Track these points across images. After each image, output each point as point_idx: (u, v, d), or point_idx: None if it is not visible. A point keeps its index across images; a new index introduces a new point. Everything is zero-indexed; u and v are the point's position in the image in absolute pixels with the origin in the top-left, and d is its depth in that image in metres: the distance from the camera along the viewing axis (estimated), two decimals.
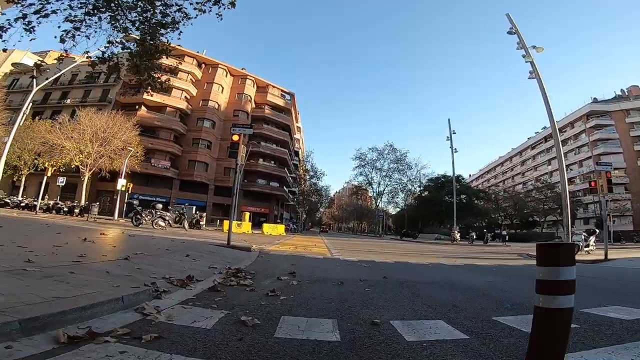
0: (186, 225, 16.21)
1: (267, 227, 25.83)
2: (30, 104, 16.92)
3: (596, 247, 14.94)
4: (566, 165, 54.60)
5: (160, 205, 15.36)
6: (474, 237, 26.33)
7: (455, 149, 34.35)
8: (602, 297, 4.62)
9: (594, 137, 56.24)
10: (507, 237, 29.94)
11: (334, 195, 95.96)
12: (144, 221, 15.18)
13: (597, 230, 17.41)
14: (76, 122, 29.08)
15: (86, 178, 28.88)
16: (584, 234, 14.65)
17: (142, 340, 2.08)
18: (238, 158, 9.55)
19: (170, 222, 15.46)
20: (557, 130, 15.43)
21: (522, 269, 9.03)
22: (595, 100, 58.14)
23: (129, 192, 26.92)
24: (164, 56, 7.21)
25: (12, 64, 45.34)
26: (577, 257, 8.19)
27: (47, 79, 17.80)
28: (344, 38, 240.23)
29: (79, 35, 5.72)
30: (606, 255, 11.91)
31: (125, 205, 25.45)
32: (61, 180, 26.14)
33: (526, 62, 15.04)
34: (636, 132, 53.32)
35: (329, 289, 4.49)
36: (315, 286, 4.61)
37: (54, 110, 41.05)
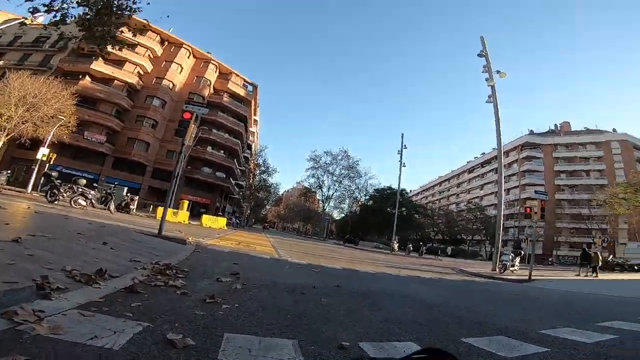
0: (112, 208, 14.24)
1: (207, 219, 24.18)
2: None
3: (519, 267, 16.11)
4: (494, 192, 60.05)
5: (83, 181, 13.30)
6: (411, 248, 27.34)
7: (404, 163, 35.61)
8: (550, 318, 4.70)
9: (524, 167, 62.35)
10: (439, 251, 31.61)
11: (282, 194, 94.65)
12: (62, 197, 13.05)
13: (522, 252, 18.96)
14: (3, 84, 25.03)
15: (1, 142, 24.85)
16: (511, 254, 15.61)
17: None
18: (186, 138, 8.43)
19: (93, 201, 13.50)
20: (502, 155, 16.35)
21: (462, 284, 9.21)
22: (531, 132, 64.37)
23: (51, 162, 23.61)
24: (124, 18, 6.23)
25: None
26: (505, 276, 8.66)
27: None
28: (317, 41, 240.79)
29: None
30: (530, 275, 12.78)
31: (42, 177, 22.15)
32: None
33: (488, 85, 15.76)
34: (559, 167, 60.08)
35: (280, 296, 3.81)
36: (264, 292, 3.90)
37: None
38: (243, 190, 56.99)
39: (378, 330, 2.96)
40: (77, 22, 5.98)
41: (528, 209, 14.92)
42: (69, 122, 26.45)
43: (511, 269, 14.77)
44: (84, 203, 12.82)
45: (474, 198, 72.24)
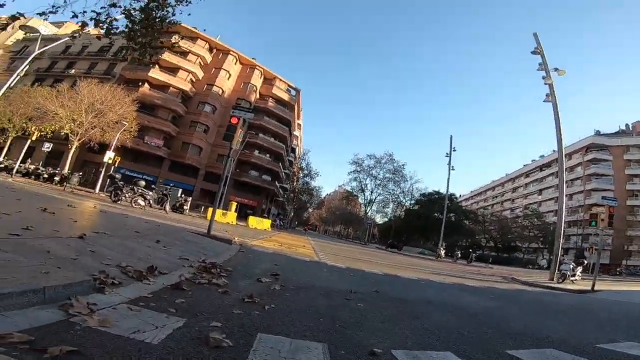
0: (167, 208, 15.32)
1: (253, 220, 25.04)
2: (27, 69, 16.13)
3: (581, 278, 14.70)
4: (557, 197, 55.41)
5: (143, 183, 14.47)
6: (459, 255, 25.96)
7: (453, 167, 34.07)
8: (611, 331, 4.29)
9: (589, 171, 56.69)
10: (491, 259, 29.74)
11: (324, 197, 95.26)
12: (123, 198, 14.30)
13: (585, 262, 17.25)
14: (75, 92, 28.17)
15: (74, 147, 27.92)
16: (572, 263, 14.29)
17: (45, 355, 1.40)
18: (233, 142, 8.83)
19: (151, 202, 14.61)
20: (564, 158, 15.03)
21: (512, 293, 8.59)
22: (597, 133, 58.42)
23: (115, 165, 25.95)
24: (164, 28, 6.64)
25: (20, 26, 43.71)
26: (563, 286, 7.88)
27: (43, 47, 17.04)
28: (359, 44, 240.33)
29: None
30: (593, 286, 11.62)
31: (107, 179, 24.45)
32: (47, 146, 25.11)
33: (545, 84, 14.76)
34: (632, 171, 53.84)
35: (316, 299, 3.83)
36: (301, 295, 3.95)
37: (57, 78, 40.05)
38: (287, 193, 58.25)
39: (414, 338, 2.86)
40: (122, 33, 6.45)
41: (593, 216, 13.63)
42: (131, 127, 28.93)
43: (571, 279, 13.51)
44: (142, 203, 13.92)
45: (531, 204, 67.17)
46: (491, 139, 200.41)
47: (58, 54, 43.01)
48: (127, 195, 14.31)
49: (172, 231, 7.60)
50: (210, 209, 24.26)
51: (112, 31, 6.19)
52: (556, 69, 15.45)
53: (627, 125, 60.37)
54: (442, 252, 25.63)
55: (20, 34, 43.00)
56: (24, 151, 24.51)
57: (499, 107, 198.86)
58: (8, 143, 30.42)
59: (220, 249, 6.84)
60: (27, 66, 14.83)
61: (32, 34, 41.33)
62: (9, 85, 16.08)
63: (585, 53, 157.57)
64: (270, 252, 8.40)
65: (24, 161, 25.43)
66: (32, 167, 25.23)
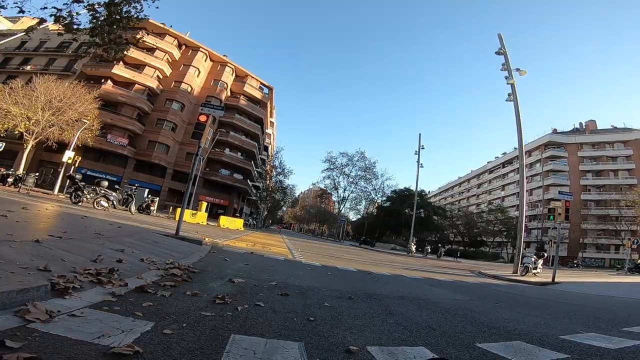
0: (133, 209, 14.64)
1: (224, 220, 24.52)
2: None
3: (542, 270, 15.56)
4: (516, 193, 58.43)
5: (105, 183, 13.74)
6: (429, 250, 26.78)
7: (422, 164, 35.06)
8: (573, 323, 4.53)
9: (547, 167, 60.01)
10: (458, 253, 30.95)
11: (298, 196, 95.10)
12: (85, 199, 13.52)
13: (545, 254, 18.32)
14: (30, 89, 26.22)
15: (29, 146, 26.12)
16: (534, 256, 15.11)
17: None
18: (202, 140, 8.57)
19: (114, 203, 13.91)
20: (524, 155, 15.85)
21: (480, 287, 8.95)
22: (555, 131, 62.09)
23: (76, 165, 24.49)
24: (131, 24, 6.39)
25: None
26: (526, 279, 8.33)
27: None
28: (332, 39, 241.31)
29: None
30: (554, 278, 12.32)
31: (67, 179, 23.04)
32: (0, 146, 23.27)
33: (507, 83, 15.37)
34: (585, 167, 57.67)
35: (291, 298, 3.79)
36: (275, 294, 3.89)
37: (10, 75, 36.99)
38: (260, 192, 57.55)
39: (389, 334, 2.89)
40: (85, 29, 6.18)
41: (551, 210, 14.48)
42: (93, 125, 27.43)
43: (533, 271, 14.29)
44: (106, 204, 13.22)
45: (495, 199, 70.49)
46: (458, 136, 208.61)
47: (12, 50, 39.81)
48: (88, 196, 13.55)
49: (137, 232, 7.27)
50: (179, 209, 23.52)
51: (73, 27, 5.88)
52: (518, 69, 16.17)
53: (580, 124, 64.73)
54: (413, 248, 26.33)
55: None
56: None
57: (466, 106, 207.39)
58: None
59: (189, 250, 6.63)
60: None
61: None
62: None
63: (546, 54, 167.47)
64: (242, 252, 8.24)
65: None
66: None
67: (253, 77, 49.89)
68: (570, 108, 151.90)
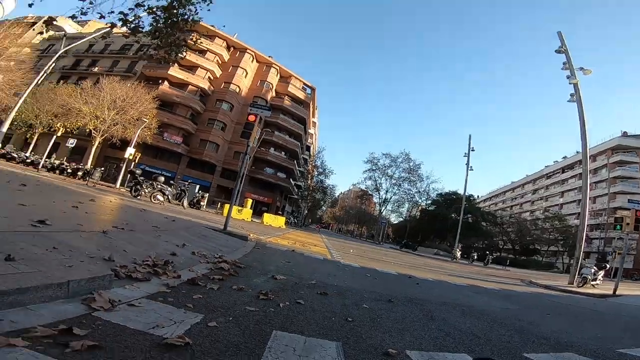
0: (185, 204, 15.64)
1: (268, 217, 25.23)
2: (53, 66, 16.74)
3: (602, 282, 14.20)
4: (579, 200, 53.37)
5: (162, 178, 14.81)
6: (475, 257, 25.39)
7: (471, 167, 33.37)
8: (633, 337, 4.23)
9: (614, 173, 54.55)
10: (508, 261, 29.05)
11: (338, 196, 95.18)
12: (143, 193, 14.66)
13: (607, 266, 16.67)
14: (98, 89, 29.05)
15: (97, 143, 28.89)
16: (594, 267, 13.83)
17: (67, 349, 1.45)
18: (250, 140, 8.92)
19: (169, 197, 14.92)
20: (588, 159, 14.52)
21: (531, 297, 8.38)
22: (625, 134, 56.00)
23: (136, 161, 26.65)
24: (187, 26, 6.76)
25: (45, 24, 45.11)
26: (583, 290, 7.61)
27: (67, 45, 17.63)
28: (375, 41, 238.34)
29: None
30: (615, 290, 11.22)
31: (128, 174, 25.15)
32: (71, 142, 26.01)
33: (570, 83, 14.41)
34: None
35: (330, 298, 3.84)
36: (315, 293, 3.96)
37: (81, 76, 41.58)
38: (301, 191, 58.44)
39: (429, 340, 2.84)
40: (148, 32, 6.59)
41: (618, 220, 13.15)
42: (151, 124, 29.67)
43: (592, 283, 13.08)
44: (161, 199, 14.25)
45: (552, 206, 65.24)
46: (512, 139, 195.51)
47: (82, 52, 44.47)
48: (146, 190, 14.67)
49: (189, 227, 7.75)
50: (227, 205, 24.61)
51: (139, 30, 6.37)
52: (581, 68, 14.99)
53: None
54: (458, 254, 25.16)
55: (46, 33, 44.57)
56: (49, 147, 25.46)
57: (521, 108, 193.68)
58: (35, 139, 31.74)
59: (235, 245, 6.94)
60: (53, 64, 15.36)
61: (57, 33, 43.19)
62: (36, 82, 16.72)
63: (613, 53, 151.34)
64: (284, 249, 8.46)
65: (49, 156, 26.46)
66: (57, 162, 26.18)
67: (297, 78, 50.82)
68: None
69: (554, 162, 73.03)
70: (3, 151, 27.26)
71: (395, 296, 4.77)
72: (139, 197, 14.51)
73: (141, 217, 7.32)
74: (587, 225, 51.99)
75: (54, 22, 7.49)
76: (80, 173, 23.33)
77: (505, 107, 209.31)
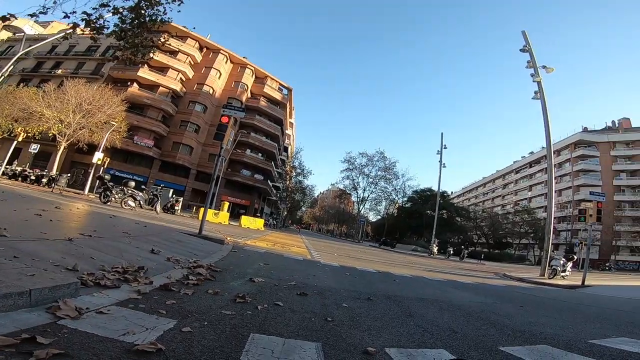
0: (158, 209, 15.14)
1: (246, 220, 24.91)
2: (12, 69, 15.75)
3: (571, 273, 14.93)
4: (544, 193, 55.93)
5: (132, 183, 14.26)
6: (451, 252, 26.13)
7: (444, 164, 34.35)
8: (603, 327, 4.37)
9: (577, 167, 57.59)
10: (483, 255, 30.13)
11: (317, 196, 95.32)
12: (113, 199, 14.08)
13: (575, 257, 17.58)
14: (61, 92, 27.58)
15: (62, 148, 27.45)
16: (562, 259, 14.53)
17: (31, 358, 1.37)
18: (224, 141, 8.75)
19: (141, 202, 14.41)
20: (552, 154, 15.24)
21: (505, 290, 8.68)
22: (585, 130, 59.42)
23: (105, 166, 25.57)
24: (156, 27, 6.56)
25: (3, 26, 42.24)
26: (554, 282, 7.99)
27: (29, 47, 16.65)
28: (349, 41, 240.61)
29: None
30: (583, 281, 11.84)
31: (96, 180, 24.06)
32: (34, 147, 24.65)
33: (534, 81, 15.01)
34: (618, 166, 54.91)
35: (310, 298, 3.81)
36: (294, 294, 3.92)
37: (43, 79, 39.27)
38: (280, 192, 58.07)
39: (408, 336, 2.85)
40: (113, 33, 6.36)
41: (582, 211, 13.89)
42: (120, 127, 28.53)
43: (562, 274, 13.73)
44: (133, 204, 13.72)
45: (521, 200, 68.21)
46: (482, 136, 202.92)
47: (44, 54, 42.16)
48: (117, 196, 14.10)
49: (162, 232, 7.51)
50: (202, 209, 24.08)
51: (102, 31, 6.13)
52: (544, 67, 15.67)
53: (613, 122, 61.54)
54: (435, 249, 25.79)
55: (4, 34, 41.97)
56: (9, 153, 23.94)
57: (489, 105, 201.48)
58: None
59: (211, 249, 6.78)
60: (12, 66, 14.47)
61: (17, 34, 40.88)
62: None
63: (574, 51, 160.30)
64: (262, 251, 8.36)
65: (10, 163, 24.92)
66: (19, 169, 24.73)
67: (272, 79, 50.48)
68: (602, 106, 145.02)
69: (522, 157, 76.33)
70: None
71: (374, 294, 4.80)
72: (108, 204, 13.91)
73: (111, 224, 7.01)
74: (555, 218, 54.52)
75: (12, 21, 7.07)
76: (44, 180, 22.12)
77: (475, 104, 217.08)
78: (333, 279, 5.79)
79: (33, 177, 23.31)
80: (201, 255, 5.72)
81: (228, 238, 9.56)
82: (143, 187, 16.10)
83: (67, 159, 34.46)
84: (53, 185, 20.02)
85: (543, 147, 69.49)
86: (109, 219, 8.10)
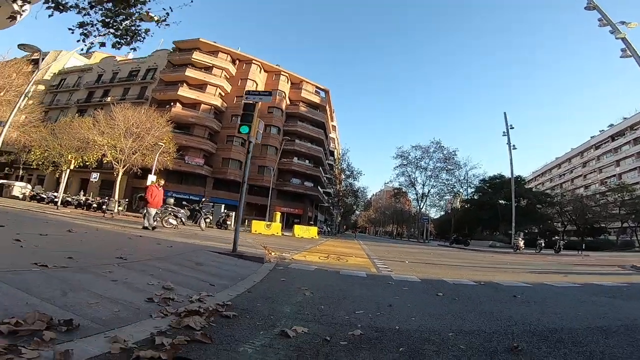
0: (202, 225, 14.01)
1: (299, 229, 23.39)
2: (68, 100, 16.01)
3: None
4: (637, 167, 47.30)
5: (172, 200, 13.34)
6: (542, 245, 21.80)
7: (514, 145, 30.01)
8: None
9: None
10: (584, 245, 25.15)
11: (371, 198, 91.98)
12: (158, 218, 13.20)
13: None
14: (110, 118, 28.72)
15: (120, 174, 28.42)
16: None
17: None
18: (251, 133, 7.03)
19: (183, 219, 13.44)
20: None
21: None
22: None
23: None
24: (139, 4, 5.92)
25: (18, 46, 47.07)
26: None
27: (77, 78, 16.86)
28: (387, 26, 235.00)
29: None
30: None
31: (135, 201, 24.21)
32: (94, 176, 25.77)
33: (616, 38, 13.09)
34: None
35: None
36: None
37: (96, 108, 41.94)
38: (331, 198, 56.34)
39: None
40: (100, 20, 5.79)
41: None
42: (169, 148, 28.93)
43: None
44: (174, 222, 12.74)
45: (608, 177, 58.80)
46: (546, 115, 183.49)
47: (92, 84, 45.07)
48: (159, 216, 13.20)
49: (184, 252, 5.91)
50: (256, 222, 23.12)
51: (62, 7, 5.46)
52: (623, 22, 13.32)
53: None
54: (521, 243, 21.77)
55: (55, 68, 45.68)
56: (63, 182, 24.99)
57: (554, 83, 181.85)
58: (65, 178, 32.01)
59: (242, 272, 4.96)
60: (32, 88, 14.41)
61: (66, 67, 44.41)
62: (18, 106, 15.37)
63: None
64: (313, 268, 6.35)
65: (78, 193, 26.32)
66: (83, 198, 25.95)
67: (308, 82, 49.42)
68: None
69: (600, 131, 66.60)
70: (32, 193, 27.63)
71: (513, 333, 2.58)
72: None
73: (122, 245, 5.55)
74: None
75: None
76: (94, 205, 22.97)
77: (533, 83, 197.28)
78: (421, 308, 3.59)
79: (95, 205, 24.18)
80: (221, 284, 3.90)
81: (272, 253, 7.79)
82: (184, 203, 15.18)
83: (129, 185, 36.16)
84: (105, 210, 20.28)
85: (625, 118, 60.08)
86: (127, 240, 6.75)
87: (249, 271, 5.08)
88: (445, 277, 6.17)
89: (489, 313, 3.45)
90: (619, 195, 41.72)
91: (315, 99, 49.33)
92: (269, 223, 23.12)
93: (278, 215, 25.82)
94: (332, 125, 64.73)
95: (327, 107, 53.19)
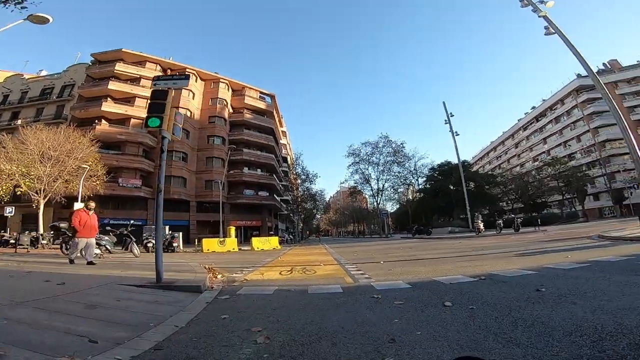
0: (135, 251, 11.67)
1: (257, 242, 21.52)
2: None
3: None
4: (564, 142, 52.24)
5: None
6: (501, 225, 22.15)
7: (457, 132, 30.84)
8: None
9: (587, 110, 55.36)
10: (539, 221, 26.39)
11: (329, 200, 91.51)
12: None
13: None
14: (20, 142, 24.41)
15: (41, 206, 24.21)
16: None
17: None
18: (164, 126, 5.37)
19: (108, 246, 11.20)
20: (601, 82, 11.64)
21: None
22: (579, 76, 56.35)
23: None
24: None
25: None
26: None
27: None
28: (321, 29, 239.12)
29: None
30: None
31: (50, 230, 20.77)
32: (9, 211, 21.65)
33: (539, 16, 13.60)
34: (629, 103, 52.08)
35: None
36: None
37: (5, 132, 35.87)
38: (290, 205, 54.68)
39: None
40: None
41: None
42: (97, 170, 25.38)
43: None
44: (98, 251, 10.43)
45: (539, 155, 64.37)
46: (477, 104, 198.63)
47: None
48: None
49: (82, 289, 4.10)
50: (207, 240, 20.73)
51: None
52: (542, 1, 13.78)
53: (604, 64, 58.41)
54: (481, 225, 21.89)
55: None
56: None
57: (477, 70, 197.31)
58: None
59: (162, 311, 3.33)
60: None
61: None
62: None
63: None
64: (272, 290, 4.77)
65: None
66: None
67: (251, 88, 47.55)
68: (585, 52, 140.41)
69: (525, 114, 73.39)
70: None
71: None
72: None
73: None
74: (582, 165, 49.97)
75: None
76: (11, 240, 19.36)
77: (463, 73, 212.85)
78: (442, 335, 2.29)
79: (13, 241, 20.34)
80: (112, 338, 2.29)
81: (218, 276, 6.16)
82: (108, 228, 12.69)
83: (55, 217, 31.33)
84: (16, 245, 16.99)
85: (544, 100, 66.74)
86: (7, 277, 4.73)
87: (173, 309, 3.45)
88: (435, 276, 5.00)
89: (541, 325, 2.25)
90: (554, 168, 45.17)
91: (261, 105, 47.47)
92: (222, 239, 20.98)
93: (233, 230, 23.67)
94: (282, 131, 63.21)
95: (275, 112, 51.63)
